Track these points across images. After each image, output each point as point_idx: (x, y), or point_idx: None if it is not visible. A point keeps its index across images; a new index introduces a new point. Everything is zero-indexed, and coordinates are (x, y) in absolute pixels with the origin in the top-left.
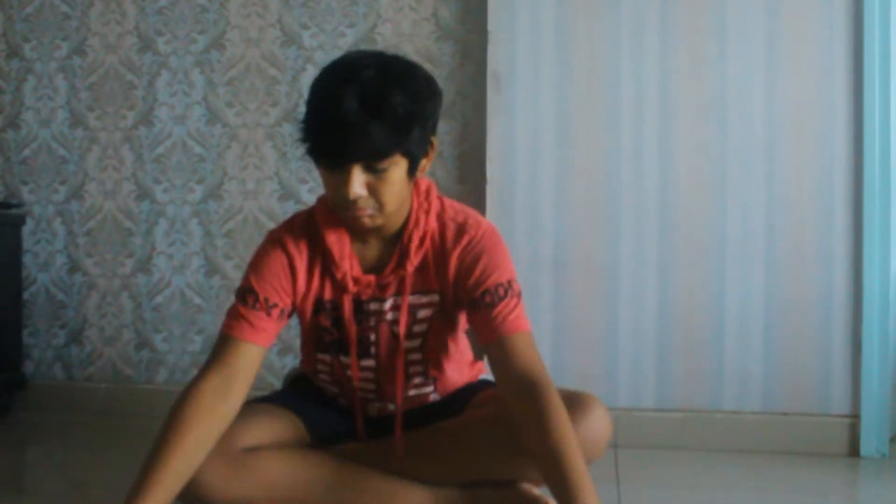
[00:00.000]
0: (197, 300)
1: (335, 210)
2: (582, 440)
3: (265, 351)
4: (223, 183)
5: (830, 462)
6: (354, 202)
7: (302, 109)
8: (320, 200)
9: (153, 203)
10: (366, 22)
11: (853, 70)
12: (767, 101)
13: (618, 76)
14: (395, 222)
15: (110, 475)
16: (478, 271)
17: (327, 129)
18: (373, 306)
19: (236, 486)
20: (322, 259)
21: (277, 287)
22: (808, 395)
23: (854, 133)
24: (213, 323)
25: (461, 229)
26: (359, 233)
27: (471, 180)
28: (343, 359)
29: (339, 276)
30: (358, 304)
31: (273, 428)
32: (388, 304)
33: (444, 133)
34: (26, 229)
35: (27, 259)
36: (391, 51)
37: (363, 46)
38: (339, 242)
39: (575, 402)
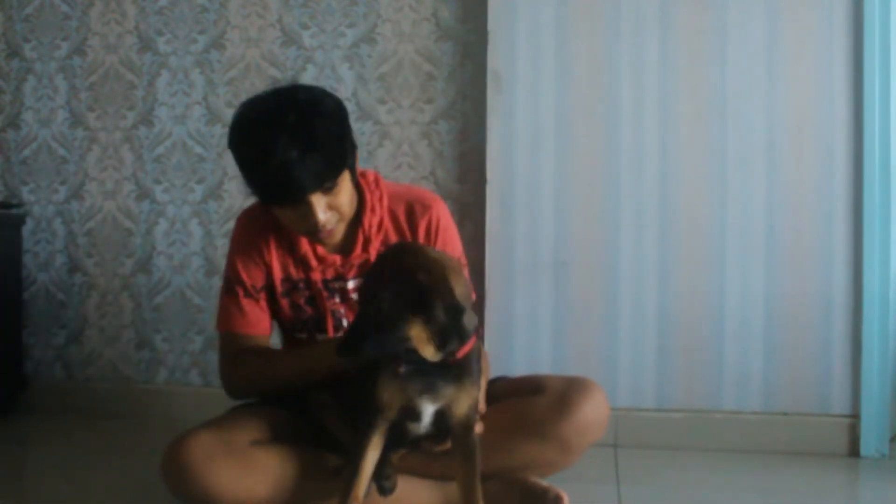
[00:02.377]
0: (197, 300)
1: (301, 235)
2: (589, 420)
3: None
4: (223, 183)
5: (830, 462)
6: (324, 226)
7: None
8: None
9: (153, 203)
10: (366, 22)
11: (853, 70)
12: (767, 101)
13: (618, 76)
14: (352, 212)
15: (110, 475)
16: (438, 245)
17: (277, 180)
18: (337, 284)
19: (244, 481)
20: (282, 239)
21: (254, 269)
22: (808, 395)
23: (854, 133)
24: (213, 323)
25: (423, 206)
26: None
27: (471, 180)
28: (319, 336)
29: (299, 255)
30: (325, 283)
31: (274, 424)
32: (351, 284)
33: (445, 133)
34: (26, 229)
35: (27, 259)
36: (293, 79)
37: (363, 46)
38: None
39: (579, 386)
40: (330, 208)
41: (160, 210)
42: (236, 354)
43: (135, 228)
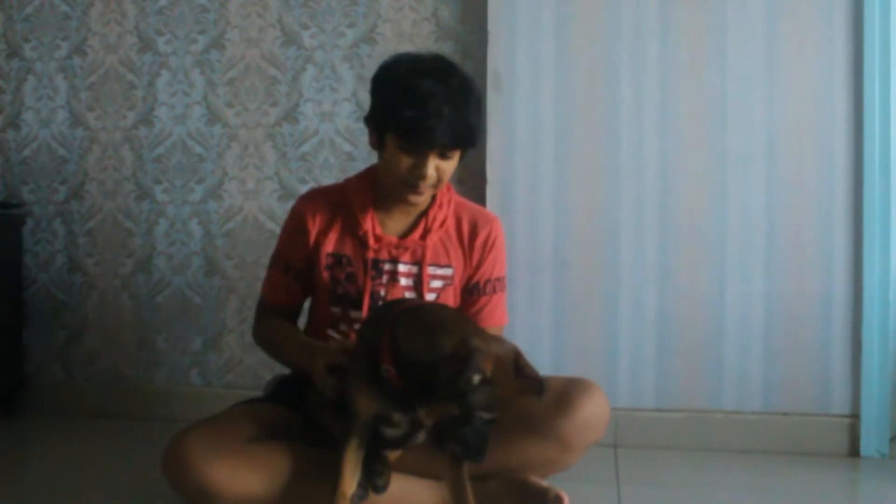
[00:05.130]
0: (197, 300)
1: (395, 184)
2: (590, 419)
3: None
4: (223, 183)
5: (830, 462)
6: (425, 182)
7: (302, 110)
8: (349, 180)
9: (153, 203)
10: (366, 22)
11: (853, 70)
12: (767, 100)
13: (618, 76)
14: (425, 200)
15: (110, 475)
16: (489, 261)
17: (422, 121)
18: (388, 266)
19: (242, 477)
20: (345, 217)
21: (295, 247)
22: (808, 395)
23: (854, 133)
24: (213, 323)
25: (484, 219)
26: (386, 204)
27: (471, 180)
28: (353, 313)
29: (360, 232)
30: (374, 263)
31: (273, 421)
32: (403, 268)
33: None
34: (26, 229)
35: (27, 259)
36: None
37: (363, 46)
38: (362, 204)
39: (579, 386)
40: (437, 172)
41: (160, 210)
42: (265, 317)
43: (135, 228)
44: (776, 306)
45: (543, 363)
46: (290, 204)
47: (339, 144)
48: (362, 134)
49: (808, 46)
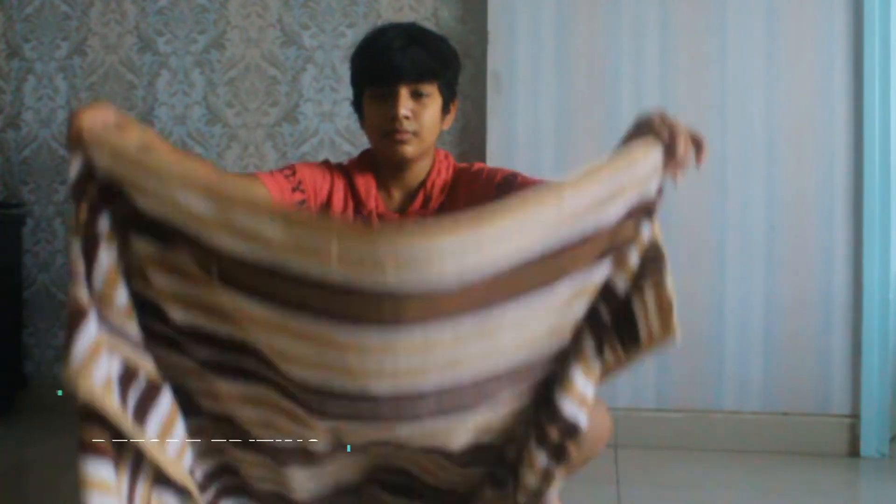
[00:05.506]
0: None
1: (378, 142)
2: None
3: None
4: None
5: (830, 462)
6: (401, 122)
7: (302, 110)
8: (350, 161)
9: None
10: (366, 22)
11: (853, 70)
12: (767, 101)
13: (618, 76)
14: (422, 169)
15: None
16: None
17: (379, 57)
18: None
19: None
20: (351, 200)
21: (316, 187)
22: (808, 395)
23: (854, 133)
24: None
25: (483, 171)
26: (387, 175)
27: None
28: None
29: (364, 213)
30: None
31: None
32: None
33: (445, 133)
34: (26, 229)
35: (27, 259)
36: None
37: None
38: (366, 185)
39: None
40: (414, 115)
41: None
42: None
43: None
44: (776, 306)
45: None
46: None
47: (339, 144)
48: (362, 134)
49: (808, 46)
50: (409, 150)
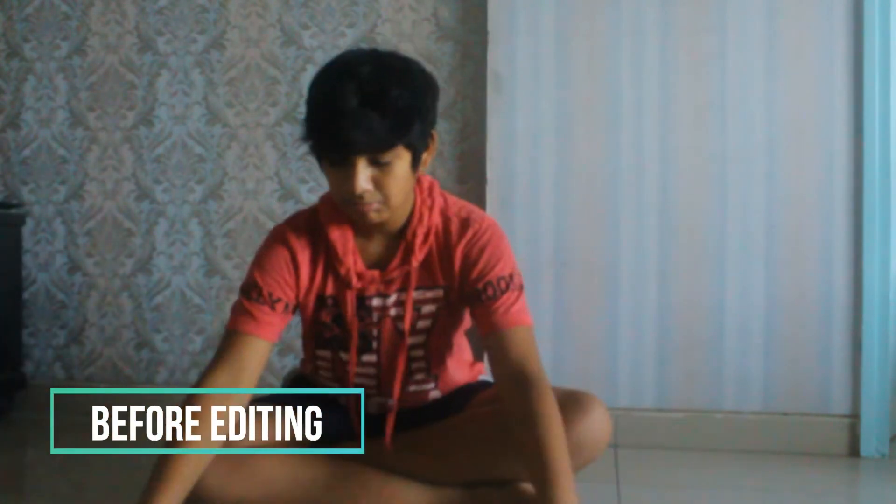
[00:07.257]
0: (197, 300)
1: (342, 207)
2: (581, 440)
3: (272, 346)
4: (223, 183)
5: (830, 462)
6: (361, 197)
7: (302, 109)
8: (323, 199)
9: (153, 203)
10: (366, 22)
11: (853, 70)
12: (767, 100)
13: (618, 76)
14: (400, 217)
15: (110, 475)
16: (481, 264)
17: (329, 125)
18: (376, 302)
19: (235, 485)
20: (325, 255)
21: (281, 282)
22: (808, 395)
23: (854, 133)
24: (213, 323)
25: (465, 224)
26: (364, 229)
27: (471, 180)
28: (343, 355)
29: (342, 271)
30: (361, 300)
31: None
32: (391, 300)
33: (444, 133)
34: (26, 229)
35: (27, 259)
36: (387, 48)
37: (363, 46)
38: (342, 238)
39: (575, 402)
40: (376, 186)
41: (160, 210)
42: (218, 367)
43: (135, 228)
44: (776, 306)
45: (543, 364)
46: (290, 204)
47: None
48: None
49: (808, 46)
50: (377, 216)
